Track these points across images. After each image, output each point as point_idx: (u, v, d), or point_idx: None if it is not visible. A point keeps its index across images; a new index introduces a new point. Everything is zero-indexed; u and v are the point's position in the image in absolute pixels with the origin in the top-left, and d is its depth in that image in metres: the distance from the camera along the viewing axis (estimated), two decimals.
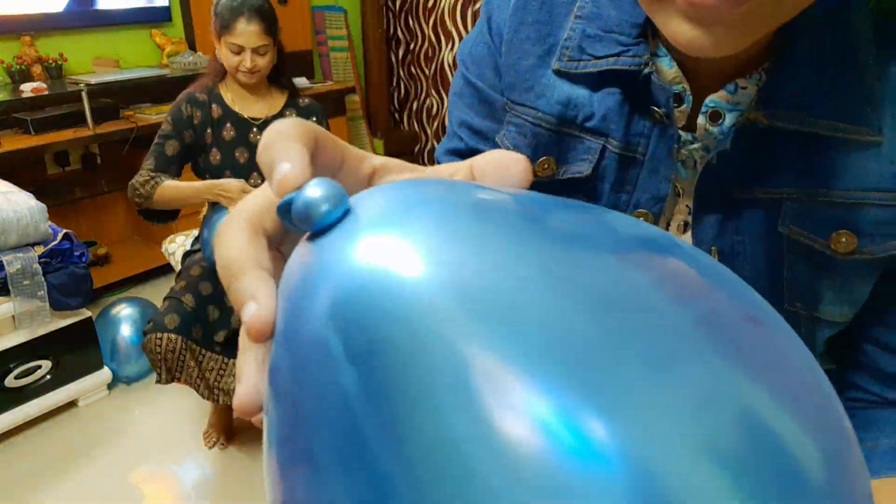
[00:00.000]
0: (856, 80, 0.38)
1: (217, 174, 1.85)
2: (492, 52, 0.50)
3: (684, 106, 0.44)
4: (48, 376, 2.10)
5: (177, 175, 1.83)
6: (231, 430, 2.07)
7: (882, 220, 0.40)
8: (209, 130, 1.84)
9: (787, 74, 0.39)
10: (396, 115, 4.56)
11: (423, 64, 4.26)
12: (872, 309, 0.44)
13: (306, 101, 1.95)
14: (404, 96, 4.49)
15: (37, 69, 2.77)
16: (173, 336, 1.69)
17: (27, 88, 2.58)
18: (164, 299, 1.78)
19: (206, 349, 1.75)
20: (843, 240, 0.40)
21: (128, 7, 3.03)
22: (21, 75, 2.72)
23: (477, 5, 3.91)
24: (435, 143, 4.39)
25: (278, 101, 1.91)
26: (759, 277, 0.44)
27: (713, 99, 0.42)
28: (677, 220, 0.48)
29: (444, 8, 3.96)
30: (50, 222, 2.05)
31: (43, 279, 1.98)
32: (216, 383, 1.75)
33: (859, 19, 0.37)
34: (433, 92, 4.24)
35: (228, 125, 1.85)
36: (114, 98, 2.82)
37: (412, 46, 4.27)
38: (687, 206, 0.47)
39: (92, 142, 2.68)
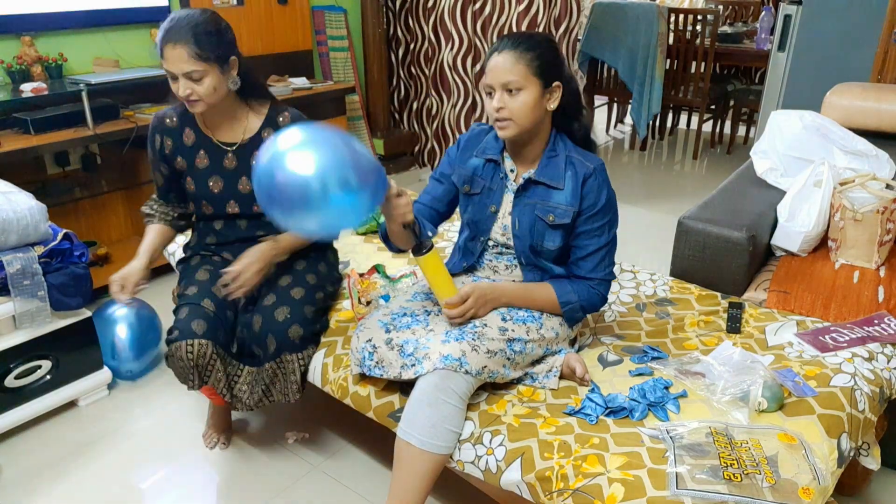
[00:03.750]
0: (558, 170, 1.56)
1: (196, 201, 1.83)
2: (452, 154, 1.72)
3: (514, 174, 1.63)
4: (48, 376, 2.10)
5: (178, 201, 1.90)
6: (230, 430, 2.07)
7: (558, 213, 1.55)
8: (179, 158, 1.78)
9: (541, 166, 1.57)
10: (396, 115, 4.56)
11: (422, 64, 4.26)
12: (569, 247, 1.61)
13: (287, 117, 1.78)
14: (404, 96, 4.49)
15: (37, 69, 2.77)
16: (204, 342, 1.65)
17: (27, 88, 2.58)
18: (181, 306, 1.73)
19: (228, 354, 1.74)
20: (551, 218, 1.56)
21: (128, 7, 3.03)
22: (21, 75, 2.72)
23: (477, 5, 3.91)
24: (434, 143, 4.39)
25: (254, 122, 1.77)
26: (526, 231, 1.60)
27: (523, 173, 1.61)
28: (506, 207, 1.63)
29: (444, 8, 3.96)
30: (50, 222, 2.05)
31: (43, 279, 1.98)
32: (233, 389, 1.75)
33: (562, 151, 1.57)
34: (433, 92, 4.24)
35: (202, 152, 1.77)
36: (114, 98, 2.82)
37: (412, 46, 4.27)
38: (510, 202, 1.62)
39: (92, 142, 2.68)
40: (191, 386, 1.71)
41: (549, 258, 1.62)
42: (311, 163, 1.24)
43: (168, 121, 1.79)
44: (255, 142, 1.75)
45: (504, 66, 1.46)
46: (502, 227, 1.64)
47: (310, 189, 1.23)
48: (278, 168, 1.25)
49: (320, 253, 1.93)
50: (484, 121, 3.53)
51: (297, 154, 1.25)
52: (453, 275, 1.78)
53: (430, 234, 1.60)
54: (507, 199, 1.63)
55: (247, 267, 1.71)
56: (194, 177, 1.79)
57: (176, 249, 2.25)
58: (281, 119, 1.79)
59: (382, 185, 1.34)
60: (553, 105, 1.52)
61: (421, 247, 1.50)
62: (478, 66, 4.03)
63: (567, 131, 1.60)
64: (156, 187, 1.88)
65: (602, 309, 1.90)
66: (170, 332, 1.69)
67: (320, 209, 1.26)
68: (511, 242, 1.64)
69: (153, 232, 1.87)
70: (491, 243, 1.68)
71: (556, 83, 1.51)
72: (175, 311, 1.75)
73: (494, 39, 3.93)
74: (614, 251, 1.61)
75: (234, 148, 1.78)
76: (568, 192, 1.54)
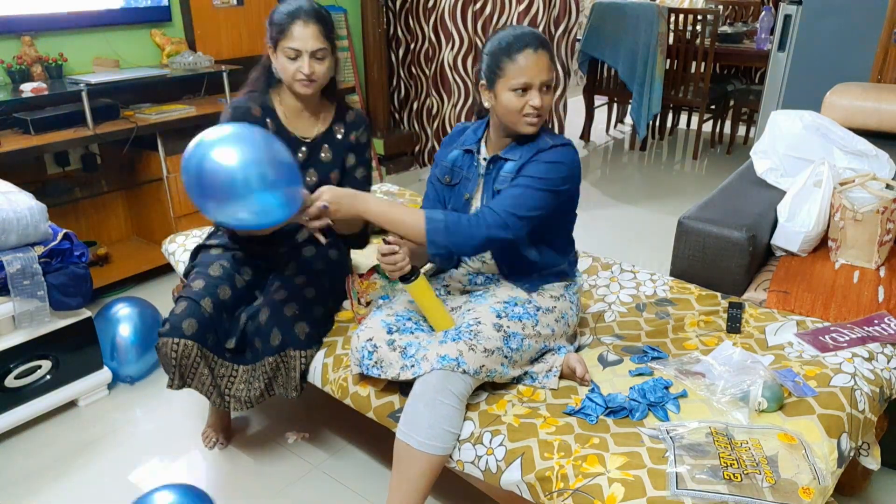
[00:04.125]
0: (520, 148, 1.56)
1: None
2: (441, 151, 1.74)
3: (485, 161, 1.64)
4: (48, 376, 2.10)
5: None
6: (229, 430, 2.07)
7: (504, 181, 1.57)
8: None
9: (509, 147, 1.59)
10: (396, 115, 4.56)
11: (423, 64, 4.25)
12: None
13: (352, 115, 1.87)
14: (404, 96, 4.48)
15: (37, 69, 2.77)
16: (189, 343, 1.65)
17: (27, 88, 2.58)
18: (181, 298, 1.72)
19: (219, 356, 1.73)
20: (500, 189, 1.59)
21: (128, 7, 3.03)
22: (21, 75, 2.72)
23: (477, 5, 3.91)
24: (435, 142, 4.39)
25: (327, 116, 1.85)
26: (488, 200, 1.60)
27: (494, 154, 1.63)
28: (479, 194, 1.64)
29: (444, 8, 3.96)
30: (50, 222, 2.05)
31: (43, 279, 1.98)
32: (227, 390, 1.74)
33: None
34: (433, 92, 4.24)
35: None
36: (114, 98, 2.82)
37: (412, 46, 4.27)
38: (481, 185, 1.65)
39: (92, 142, 2.68)
40: (170, 384, 1.71)
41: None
42: (235, 156, 1.34)
43: (253, 110, 1.77)
44: (327, 136, 1.84)
45: (544, 65, 1.49)
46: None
47: (234, 180, 1.34)
48: (206, 159, 1.36)
49: (341, 257, 1.93)
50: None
51: (222, 148, 1.36)
52: (444, 270, 1.79)
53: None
54: (481, 187, 1.66)
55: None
56: None
57: (176, 250, 2.25)
58: (348, 117, 1.87)
59: (296, 180, 1.45)
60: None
61: (409, 274, 1.49)
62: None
63: None
64: None
65: (602, 309, 1.90)
66: (163, 323, 1.70)
67: (244, 199, 1.35)
68: None
69: None
70: None
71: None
72: (176, 302, 1.73)
73: None
74: (530, 206, 1.50)
75: (309, 142, 1.82)
76: (517, 161, 1.56)
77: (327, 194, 1.49)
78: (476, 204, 1.66)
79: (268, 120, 1.78)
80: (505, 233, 1.49)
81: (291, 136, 1.80)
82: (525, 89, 1.48)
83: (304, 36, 1.65)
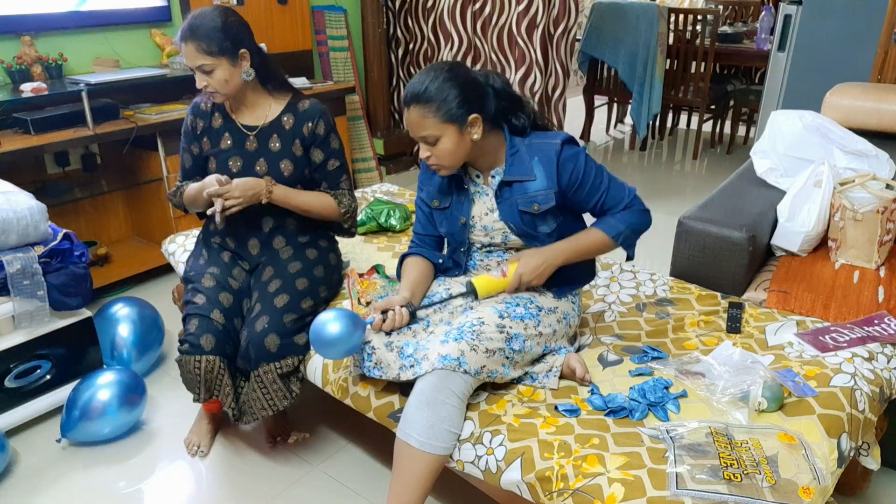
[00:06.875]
0: (524, 164, 1.57)
1: None
2: (423, 175, 1.71)
3: (482, 178, 1.65)
4: (48, 376, 2.10)
5: None
6: (212, 437, 2.04)
7: (540, 200, 1.56)
8: (206, 139, 1.86)
9: (508, 165, 1.58)
10: (396, 115, 4.56)
11: (421, 64, 4.26)
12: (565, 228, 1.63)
13: (306, 104, 1.88)
14: None
15: (37, 69, 2.77)
16: (212, 357, 1.69)
17: (27, 88, 2.58)
18: (191, 315, 1.75)
19: (235, 368, 1.77)
20: (535, 207, 1.56)
21: (128, 7, 3.03)
22: (21, 75, 2.73)
23: (476, 5, 3.91)
24: None
25: (276, 107, 1.87)
26: (521, 228, 1.59)
27: (491, 171, 1.63)
28: (481, 210, 1.64)
29: (443, 8, 3.96)
30: (50, 222, 2.05)
31: (43, 279, 1.98)
32: (244, 399, 1.77)
33: (521, 144, 1.58)
34: None
35: (227, 134, 1.86)
36: (114, 98, 2.82)
37: (411, 46, 4.27)
38: (484, 205, 1.64)
39: (92, 142, 2.68)
40: (196, 398, 1.75)
41: (553, 241, 1.62)
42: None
43: (203, 105, 1.89)
44: (275, 126, 1.86)
45: (414, 121, 1.48)
46: (483, 229, 1.65)
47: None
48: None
49: (321, 256, 1.93)
50: None
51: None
52: (446, 271, 1.79)
53: (439, 260, 1.74)
54: (481, 202, 1.64)
55: (237, 185, 1.74)
56: (217, 156, 1.86)
57: (176, 250, 2.25)
58: (300, 105, 1.88)
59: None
60: (477, 135, 1.51)
61: (470, 292, 1.60)
62: (478, 67, 4.03)
63: (512, 125, 1.59)
64: (181, 171, 1.94)
65: (602, 309, 1.90)
66: (181, 342, 1.73)
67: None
68: (496, 240, 1.65)
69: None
70: (475, 248, 1.70)
71: (473, 116, 1.49)
72: (184, 320, 1.77)
73: (494, 40, 3.94)
74: (617, 178, 1.64)
75: (256, 132, 1.85)
76: (541, 177, 1.56)
77: (526, 276, 1.57)
78: (484, 221, 1.64)
79: (216, 112, 1.88)
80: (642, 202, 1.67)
81: (236, 126, 1.87)
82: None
83: (186, 54, 1.73)
